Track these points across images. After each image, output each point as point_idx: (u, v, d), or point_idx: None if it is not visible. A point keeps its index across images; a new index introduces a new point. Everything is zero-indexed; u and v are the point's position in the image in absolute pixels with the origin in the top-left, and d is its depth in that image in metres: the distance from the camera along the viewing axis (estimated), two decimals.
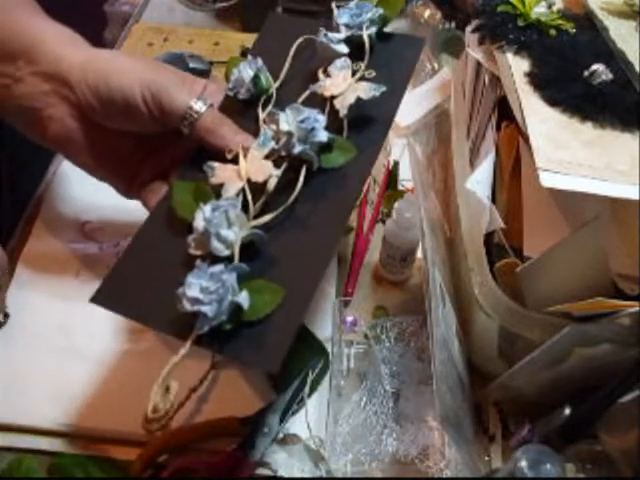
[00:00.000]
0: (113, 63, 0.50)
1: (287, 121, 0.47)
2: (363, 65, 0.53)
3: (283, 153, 0.47)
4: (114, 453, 0.53)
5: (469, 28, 0.63)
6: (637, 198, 0.44)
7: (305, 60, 0.55)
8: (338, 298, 0.63)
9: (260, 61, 0.52)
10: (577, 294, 0.44)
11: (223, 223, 0.43)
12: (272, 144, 0.48)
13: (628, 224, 0.49)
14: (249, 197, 0.46)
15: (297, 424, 0.55)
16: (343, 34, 0.54)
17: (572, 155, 0.46)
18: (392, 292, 0.65)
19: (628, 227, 0.50)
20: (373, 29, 0.55)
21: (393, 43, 0.56)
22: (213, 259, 0.43)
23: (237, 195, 0.46)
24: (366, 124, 0.51)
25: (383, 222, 0.71)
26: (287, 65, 0.54)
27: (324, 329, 0.61)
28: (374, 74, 0.52)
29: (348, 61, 0.52)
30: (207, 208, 0.44)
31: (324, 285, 0.64)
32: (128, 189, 0.54)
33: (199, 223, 0.44)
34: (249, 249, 0.45)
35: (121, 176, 0.54)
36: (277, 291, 0.43)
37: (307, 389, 0.56)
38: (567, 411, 0.48)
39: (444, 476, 0.53)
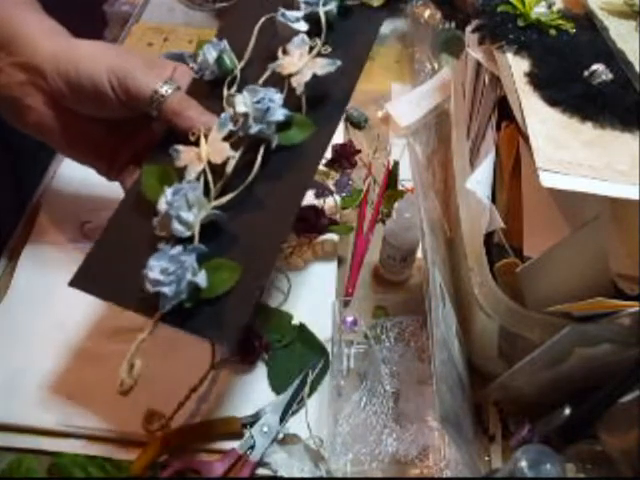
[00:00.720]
0: (83, 51, 0.52)
1: (244, 102, 0.48)
2: (319, 42, 0.53)
3: (241, 134, 0.48)
4: (114, 453, 0.53)
5: (469, 28, 0.63)
6: (637, 198, 0.44)
7: (267, 40, 0.56)
8: (338, 298, 0.63)
9: (224, 43, 0.53)
10: (577, 294, 0.44)
11: (183, 206, 0.45)
12: (230, 126, 0.49)
13: (628, 224, 0.49)
14: (209, 179, 0.47)
15: (297, 424, 0.55)
16: (302, 11, 0.55)
17: (572, 155, 0.46)
18: (392, 292, 0.65)
19: (628, 227, 0.50)
20: (332, 5, 0.55)
21: (354, 18, 0.58)
22: (175, 241, 0.45)
23: (198, 177, 0.48)
24: (324, 100, 0.52)
25: (383, 222, 0.71)
26: (251, 45, 0.55)
27: (324, 329, 0.61)
28: (330, 50, 0.53)
29: (305, 38, 0.53)
30: (169, 191, 0.45)
31: (324, 285, 0.65)
32: (108, 172, 0.56)
33: (162, 206, 0.45)
34: (210, 229, 0.46)
35: (99, 160, 0.56)
36: (235, 269, 0.45)
37: (307, 389, 0.56)
38: (567, 411, 0.48)
39: (444, 476, 0.53)
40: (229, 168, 0.47)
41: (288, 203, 0.49)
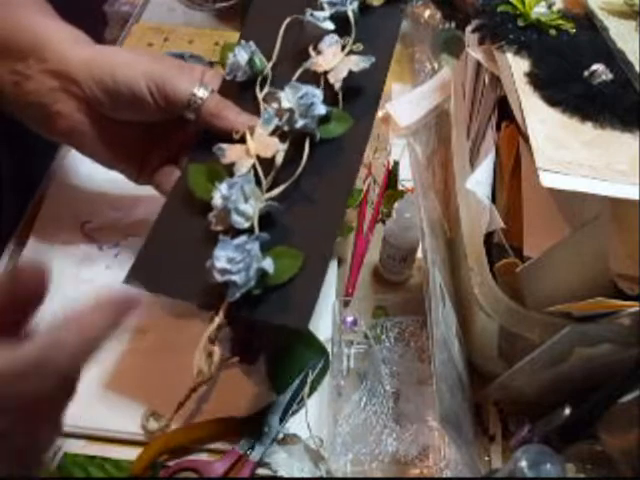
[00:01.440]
0: (117, 58, 0.52)
1: (288, 99, 0.50)
2: (351, 40, 0.55)
3: (286, 128, 0.51)
4: (114, 453, 0.53)
5: (469, 28, 0.63)
6: (637, 198, 0.44)
7: (294, 39, 0.57)
8: (338, 298, 0.63)
9: (253, 44, 0.54)
10: (577, 294, 0.44)
11: (240, 198, 0.46)
12: (276, 121, 0.50)
13: (628, 224, 0.49)
14: (260, 172, 0.49)
15: (297, 424, 0.55)
16: (328, 11, 0.56)
17: (572, 155, 0.46)
18: (392, 292, 0.65)
19: (628, 227, 0.50)
20: (355, 4, 0.57)
21: (374, 16, 0.60)
22: (234, 233, 0.47)
23: (249, 171, 0.49)
24: (359, 95, 0.55)
25: (383, 222, 0.71)
26: (278, 45, 0.57)
27: (324, 329, 0.61)
28: (362, 47, 0.55)
29: (336, 37, 0.55)
30: (223, 186, 0.47)
31: (324, 285, 0.64)
32: (138, 176, 0.57)
33: (217, 201, 0.47)
34: (265, 220, 0.48)
35: (130, 164, 0.56)
36: (297, 256, 0.47)
37: (307, 389, 0.56)
38: (567, 411, 0.48)
39: (444, 476, 0.53)
40: (279, 161, 0.49)
41: (339, 191, 0.51)
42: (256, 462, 0.52)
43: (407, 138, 0.73)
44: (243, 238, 0.45)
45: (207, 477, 0.52)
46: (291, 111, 0.50)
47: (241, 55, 0.54)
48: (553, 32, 0.57)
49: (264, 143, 0.50)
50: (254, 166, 0.49)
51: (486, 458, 0.54)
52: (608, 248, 0.46)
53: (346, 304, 0.63)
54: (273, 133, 0.51)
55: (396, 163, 0.76)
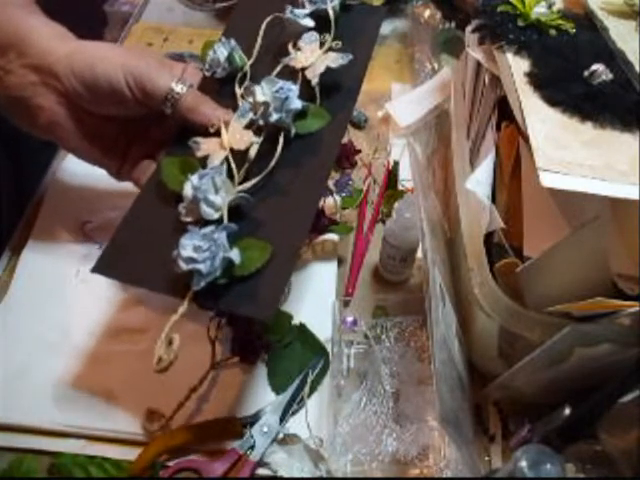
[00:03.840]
0: (97, 52, 0.53)
1: (263, 92, 0.50)
2: (330, 37, 0.56)
3: (261, 122, 0.50)
4: (114, 453, 0.53)
5: (469, 28, 0.63)
6: (637, 198, 0.44)
7: (275, 37, 0.58)
8: (338, 298, 0.63)
9: (233, 41, 0.55)
10: (577, 294, 0.44)
11: (210, 189, 0.46)
12: (250, 115, 0.51)
13: (628, 224, 0.49)
14: (233, 165, 0.49)
15: (297, 424, 0.55)
16: (308, 9, 0.57)
17: (572, 155, 0.46)
18: (392, 292, 0.65)
19: (628, 227, 0.50)
20: (336, 2, 0.58)
21: (355, 13, 0.60)
22: (203, 224, 0.46)
23: (221, 164, 0.49)
24: (336, 91, 0.55)
25: (383, 222, 0.71)
26: (259, 42, 0.57)
27: (324, 329, 0.61)
28: (341, 44, 0.55)
29: (315, 34, 0.56)
30: (194, 177, 0.46)
31: (324, 285, 0.65)
32: (119, 171, 0.57)
33: (188, 191, 0.46)
34: (236, 213, 0.47)
35: (111, 159, 0.57)
36: (265, 247, 0.46)
37: (307, 389, 0.56)
38: (567, 411, 0.48)
39: (444, 476, 0.53)
40: (252, 153, 0.49)
41: (311, 187, 0.50)
42: (256, 462, 0.52)
43: (407, 138, 0.73)
44: (211, 227, 0.45)
45: (207, 477, 0.52)
46: (266, 105, 0.50)
47: (220, 51, 0.54)
48: (553, 32, 0.57)
49: (238, 136, 0.50)
50: (227, 159, 0.49)
51: (486, 458, 0.54)
52: (608, 248, 0.46)
53: (346, 304, 0.63)
54: (249, 127, 0.51)
55: (396, 163, 0.76)
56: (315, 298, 0.63)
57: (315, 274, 0.66)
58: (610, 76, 0.52)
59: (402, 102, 0.81)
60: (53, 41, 0.53)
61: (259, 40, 0.57)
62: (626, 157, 0.47)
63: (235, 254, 0.44)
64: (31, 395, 0.55)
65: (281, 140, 0.50)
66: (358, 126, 0.81)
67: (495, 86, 0.58)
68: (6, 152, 0.75)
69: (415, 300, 0.62)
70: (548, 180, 0.44)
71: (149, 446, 0.52)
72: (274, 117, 0.50)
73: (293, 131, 0.51)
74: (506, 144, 0.56)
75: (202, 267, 0.43)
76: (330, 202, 0.70)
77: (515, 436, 0.52)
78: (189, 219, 0.47)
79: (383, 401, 0.57)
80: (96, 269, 0.48)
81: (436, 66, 0.85)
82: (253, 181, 0.49)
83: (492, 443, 0.55)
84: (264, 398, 0.56)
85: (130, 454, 0.53)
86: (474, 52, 0.60)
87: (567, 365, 0.47)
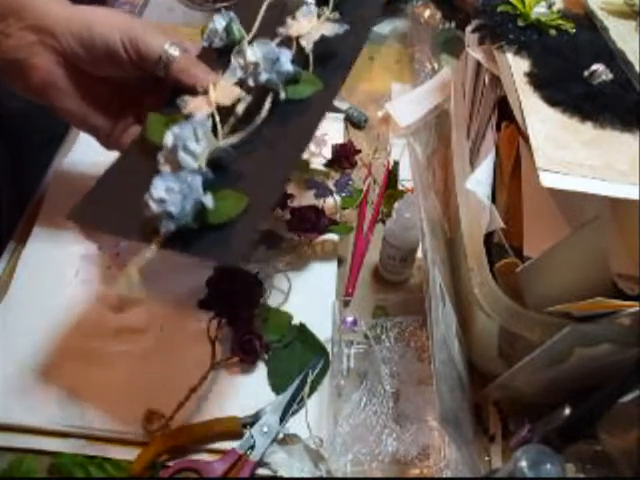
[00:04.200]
0: (95, 14, 0.54)
1: (254, 53, 0.50)
2: (328, 9, 0.57)
3: (251, 82, 0.50)
4: (114, 453, 0.53)
5: (469, 28, 0.63)
6: (637, 198, 0.44)
7: (277, 16, 0.58)
8: (338, 298, 0.63)
9: (232, 13, 0.56)
10: (577, 294, 0.44)
11: (191, 137, 0.45)
12: (240, 73, 0.51)
13: (628, 224, 0.49)
14: (217, 119, 0.48)
15: (297, 424, 0.55)
16: None
17: (572, 155, 0.46)
18: (392, 292, 0.65)
19: (628, 227, 0.50)
20: None
21: None
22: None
23: (207, 118, 0.48)
24: (331, 61, 0.55)
25: (383, 222, 0.71)
26: (259, 18, 0.57)
27: (324, 329, 0.61)
28: (338, 16, 0.56)
29: (313, 7, 0.56)
30: (176, 126, 0.45)
31: (324, 285, 0.65)
32: (108, 138, 0.57)
33: (168, 140, 0.45)
34: (216, 167, 0.46)
35: (102, 122, 0.57)
36: (240, 199, 0.45)
37: (307, 389, 0.56)
38: (567, 411, 0.48)
39: (444, 476, 0.53)
40: (240, 109, 0.49)
41: (294, 146, 0.50)
42: (256, 462, 0.52)
43: (407, 138, 0.73)
44: (186, 171, 0.44)
45: (207, 477, 0.52)
46: (256, 65, 0.50)
47: (219, 22, 0.55)
48: (553, 32, 0.57)
49: (226, 91, 0.50)
50: (213, 114, 0.49)
51: (486, 458, 0.54)
52: (608, 248, 0.46)
53: (346, 304, 0.63)
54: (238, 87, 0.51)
55: (396, 163, 0.76)
56: (315, 298, 0.63)
57: (315, 274, 0.66)
58: (610, 76, 0.52)
59: (402, 102, 0.81)
60: (52, 4, 0.54)
61: (260, 16, 0.57)
62: (626, 157, 0.47)
63: (208, 199, 0.43)
64: (31, 395, 0.55)
65: (268, 100, 0.50)
66: (358, 126, 0.81)
67: (495, 86, 0.58)
68: (6, 152, 0.75)
69: (415, 300, 0.62)
70: (548, 180, 0.44)
71: (149, 446, 0.52)
72: (263, 77, 0.50)
73: (283, 95, 0.51)
74: (506, 144, 0.56)
75: (172, 209, 0.42)
76: (330, 202, 0.70)
77: (515, 436, 0.52)
78: (167, 168, 0.46)
79: (383, 401, 0.57)
80: (69, 216, 0.48)
81: (436, 66, 0.85)
82: (236, 137, 0.48)
83: (492, 443, 0.55)
84: (264, 398, 0.56)
85: (130, 454, 0.53)
86: (474, 52, 0.60)
87: (567, 365, 0.47)
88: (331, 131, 0.79)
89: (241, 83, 0.51)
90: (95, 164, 0.75)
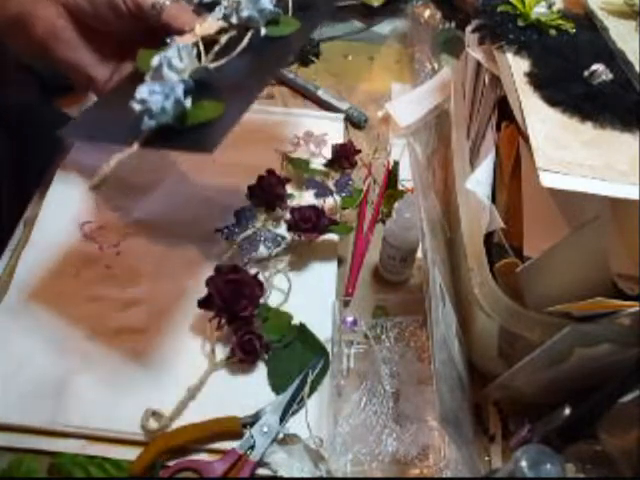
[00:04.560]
0: None
1: None
2: None
3: (234, 20, 0.55)
4: (114, 453, 0.53)
5: (469, 28, 0.63)
6: (637, 198, 0.44)
7: None
8: (338, 298, 0.63)
9: None
10: (577, 294, 0.44)
11: (175, 56, 0.49)
12: (223, 9, 0.56)
13: (628, 224, 0.49)
14: (201, 47, 0.53)
15: (297, 424, 0.55)
16: None
17: (572, 155, 0.46)
18: (392, 292, 0.65)
19: (628, 227, 0.50)
20: None
21: None
22: None
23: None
24: (309, 9, 0.60)
25: (383, 222, 0.71)
26: None
27: (324, 329, 0.61)
28: None
29: None
30: (163, 52, 0.49)
31: (324, 285, 0.65)
32: (104, 86, 0.60)
33: (155, 61, 0.49)
34: (198, 85, 0.50)
35: (101, 74, 0.60)
36: (218, 106, 0.49)
37: (307, 389, 0.56)
38: (567, 411, 0.48)
39: (444, 476, 0.53)
40: (223, 40, 0.54)
41: (268, 69, 0.57)
42: (256, 462, 0.52)
43: (407, 138, 0.73)
44: (169, 82, 0.47)
45: (207, 477, 0.52)
46: (239, 2, 0.55)
47: None
48: (553, 32, 0.57)
49: (211, 24, 0.55)
50: (197, 43, 0.53)
51: (486, 458, 0.54)
52: (608, 248, 0.46)
53: (346, 304, 0.63)
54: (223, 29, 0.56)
55: (396, 163, 0.76)
56: (315, 298, 0.63)
57: (315, 274, 0.66)
58: (610, 76, 0.52)
59: (402, 102, 0.81)
60: None
61: None
62: (626, 157, 0.47)
63: (188, 101, 0.47)
64: (31, 395, 0.55)
65: (249, 34, 0.55)
66: (358, 126, 0.82)
67: (495, 86, 0.58)
68: (7, 153, 0.75)
69: (415, 300, 0.62)
70: (548, 180, 0.44)
71: (149, 446, 0.52)
72: (245, 13, 0.54)
73: (263, 31, 0.56)
74: (506, 144, 0.56)
75: (153, 107, 0.45)
76: (330, 202, 0.70)
77: (515, 436, 0.52)
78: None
79: (383, 401, 0.57)
80: (62, 133, 0.51)
81: (436, 66, 0.85)
82: (218, 62, 0.53)
83: (492, 443, 0.55)
84: (264, 398, 0.56)
85: (130, 454, 0.53)
86: (474, 52, 0.60)
87: (567, 365, 0.47)
88: (331, 131, 0.79)
89: (225, 23, 0.56)
90: (96, 165, 0.75)
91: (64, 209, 0.69)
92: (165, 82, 0.47)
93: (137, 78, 0.50)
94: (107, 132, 0.50)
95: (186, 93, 0.47)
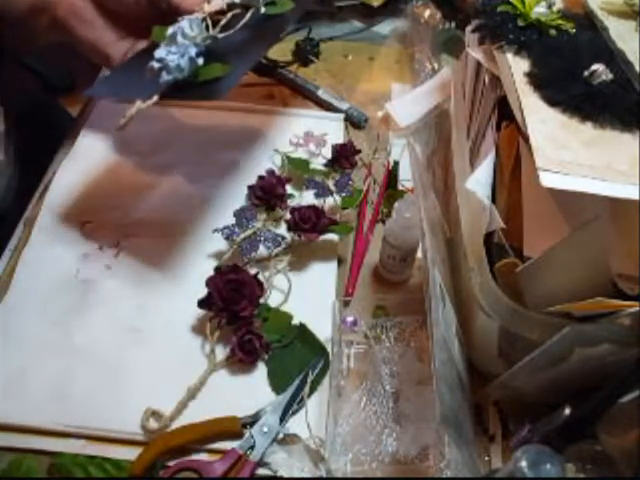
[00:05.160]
0: None
1: None
2: None
3: (237, 0, 0.61)
4: (114, 453, 0.53)
5: (469, 28, 0.63)
6: (637, 198, 0.44)
7: None
8: (338, 298, 0.63)
9: None
10: (577, 294, 0.44)
11: (188, 27, 0.55)
12: None
13: (628, 224, 0.49)
14: (209, 21, 0.58)
15: (297, 424, 0.55)
16: None
17: (572, 155, 0.46)
18: (392, 292, 0.65)
19: (628, 227, 0.50)
20: None
21: None
22: None
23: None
24: None
25: (383, 222, 0.71)
26: None
27: (324, 329, 0.61)
28: None
29: None
30: (177, 23, 0.55)
31: (324, 285, 0.65)
32: (117, 63, 0.64)
33: (169, 30, 0.54)
34: (208, 52, 0.56)
35: (117, 52, 0.64)
36: (225, 67, 0.57)
37: (307, 389, 0.56)
38: (567, 411, 0.48)
39: (444, 476, 0.53)
40: (228, 15, 0.59)
41: (267, 37, 0.65)
42: (256, 462, 0.52)
43: (407, 138, 0.73)
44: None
45: (207, 477, 0.52)
46: None
47: None
48: (553, 32, 0.57)
49: (216, 3, 0.60)
50: (205, 19, 0.57)
51: (486, 458, 0.54)
52: (608, 248, 0.46)
53: (346, 304, 0.63)
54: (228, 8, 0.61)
55: (396, 163, 0.76)
56: (315, 298, 0.63)
57: (315, 274, 0.66)
58: (610, 76, 0.52)
59: (402, 102, 0.81)
60: None
61: None
62: (626, 157, 0.47)
63: (200, 59, 0.54)
64: (31, 395, 0.55)
65: (251, 11, 0.61)
66: (358, 126, 0.82)
67: (495, 86, 0.58)
68: (8, 152, 0.75)
69: (415, 300, 0.62)
70: (548, 180, 0.44)
71: (149, 446, 0.52)
72: None
73: (263, 10, 0.62)
74: (506, 144, 0.56)
75: (170, 63, 0.52)
76: (330, 202, 0.70)
77: (515, 436, 0.52)
78: None
79: (383, 401, 0.57)
80: (88, 93, 0.59)
81: (436, 66, 0.85)
82: (225, 33, 0.58)
83: (492, 443, 0.55)
84: (264, 398, 0.56)
85: (130, 454, 0.53)
86: (474, 52, 0.60)
87: (567, 365, 0.47)
88: (331, 131, 0.79)
89: (230, 3, 0.61)
90: (95, 164, 0.75)
91: (64, 209, 0.69)
92: (180, 45, 0.53)
93: (152, 49, 0.54)
94: (129, 88, 0.57)
95: (198, 55, 0.54)
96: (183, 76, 0.53)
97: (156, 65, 0.52)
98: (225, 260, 0.64)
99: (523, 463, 0.41)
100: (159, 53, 0.52)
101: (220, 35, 0.58)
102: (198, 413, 0.55)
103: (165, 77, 0.52)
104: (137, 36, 0.63)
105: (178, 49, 0.53)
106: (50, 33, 0.64)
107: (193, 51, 0.53)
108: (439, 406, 0.43)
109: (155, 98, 0.53)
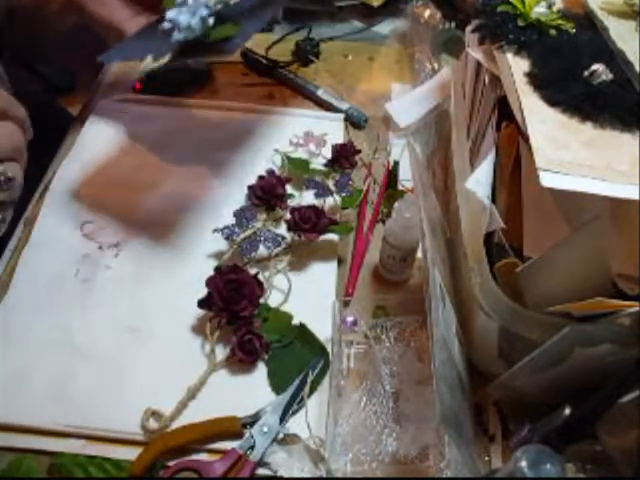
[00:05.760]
0: None
1: None
2: None
3: None
4: (114, 453, 0.53)
5: (469, 28, 0.63)
6: (637, 198, 0.44)
7: None
8: (338, 298, 0.63)
9: None
10: (577, 294, 0.44)
11: None
12: None
13: (628, 224, 0.49)
14: None
15: (297, 424, 0.55)
16: None
17: (572, 155, 0.46)
18: (392, 292, 0.65)
19: (628, 227, 0.50)
20: None
21: None
22: None
23: None
24: None
25: (383, 222, 0.71)
26: None
27: (324, 329, 0.61)
28: None
29: None
30: None
31: (324, 285, 0.65)
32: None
33: None
34: (218, 16, 0.58)
35: (131, 28, 0.65)
36: (235, 27, 0.59)
37: (307, 389, 0.56)
38: (567, 411, 0.48)
39: (444, 476, 0.53)
40: None
41: (273, 4, 0.66)
42: (256, 462, 0.52)
43: (407, 138, 0.73)
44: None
45: (207, 477, 0.52)
46: None
47: None
48: (553, 32, 0.57)
49: None
50: None
51: (486, 458, 0.54)
52: (608, 248, 0.46)
53: (346, 304, 0.63)
54: None
55: (396, 163, 0.76)
56: (315, 298, 0.63)
57: (315, 274, 0.66)
58: (610, 76, 0.52)
59: (402, 102, 0.81)
60: None
61: None
62: (626, 157, 0.47)
63: (211, 19, 0.55)
64: (31, 395, 0.55)
65: None
66: (358, 126, 0.82)
67: (495, 86, 0.58)
68: None
69: (415, 300, 0.62)
70: (548, 180, 0.44)
71: (149, 446, 0.52)
72: None
73: None
74: (506, 144, 0.56)
75: (181, 23, 0.53)
76: (330, 202, 0.70)
77: (515, 436, 0.52)
78: None
79: (383, 401, 0.57)
80: (101, 59, 0.59)
81: (436, 66, 0.85)
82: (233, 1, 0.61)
83: (492, 443, 0.55)
84: (264, 398, 0.56)
85: (130, 454, 0.53)
86: (474, 52, 0.60)
87: (567, 365, 0.47)
88: (331, 131, 0.79)
89: None
90: (95, 164, 0.75)
91: (64, 209, 0.69)
92: (191, 5, 0.54)
93: (164, 18, 0.56)
94: (142, 50, 0.57)
95: (209, 15, 0.55)
96: (194, 35, 0.54)
97: (167, 25, 0.53)
98: (225, 260, 0.64)
99: (523, 463, 0.41)
100: (170, 14, 0.54)
101: (232, 0, 0.60)
102: (198, 413, 0.55)
103: (176, 36, 0.53)
104: (152, 12, 0.64)
105: (189, 9, 0.54)
106: (64, 15, 0.65)
107: (204, 11, 0.55)
108: (439, 406, 0.43)
109: (167, 57, 0.54)
